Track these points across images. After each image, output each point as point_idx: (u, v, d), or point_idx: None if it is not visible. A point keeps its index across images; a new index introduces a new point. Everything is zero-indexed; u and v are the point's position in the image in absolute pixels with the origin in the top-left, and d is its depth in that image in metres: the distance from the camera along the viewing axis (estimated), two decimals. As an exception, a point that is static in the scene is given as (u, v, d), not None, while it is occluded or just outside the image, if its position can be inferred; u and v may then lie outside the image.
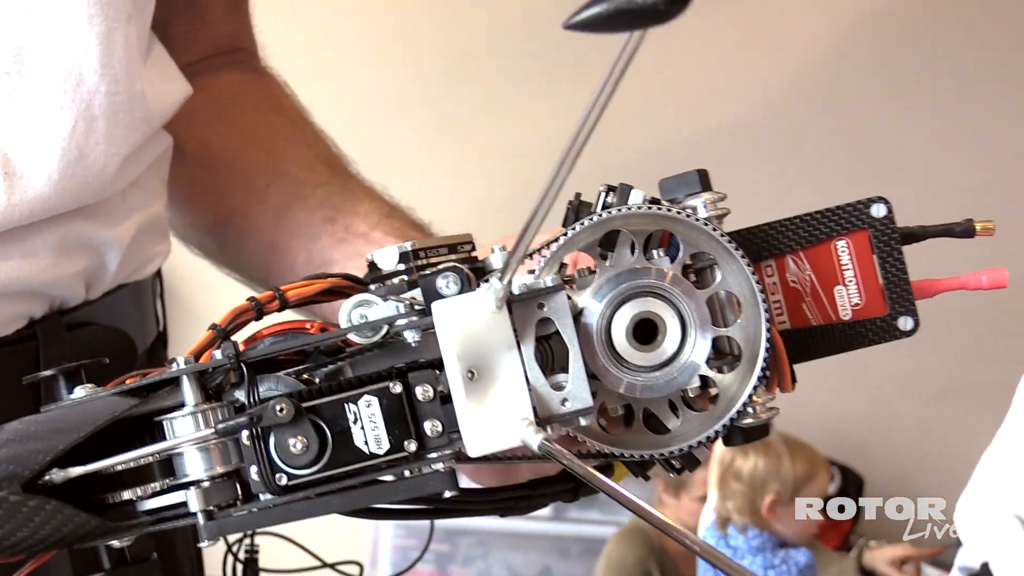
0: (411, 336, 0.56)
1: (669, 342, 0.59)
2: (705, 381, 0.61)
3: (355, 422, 0.56)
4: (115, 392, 0.57)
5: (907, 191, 3.11)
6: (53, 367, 0.60)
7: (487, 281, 0.56)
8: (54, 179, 0.72)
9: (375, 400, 0.56)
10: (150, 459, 0.57)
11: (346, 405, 0.56)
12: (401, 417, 0.56)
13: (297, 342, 0.57)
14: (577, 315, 0.58)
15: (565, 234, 0.60)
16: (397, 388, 0.56)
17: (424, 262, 0.62)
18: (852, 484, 3.14)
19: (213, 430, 0.56)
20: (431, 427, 0.56)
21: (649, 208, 0.59)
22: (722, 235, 0.59)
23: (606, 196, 0.61)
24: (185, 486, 0.57)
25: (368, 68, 3.43)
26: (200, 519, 0.56)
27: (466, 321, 0.55)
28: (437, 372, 0.56)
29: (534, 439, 0.54)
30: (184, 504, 0.57)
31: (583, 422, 0.58)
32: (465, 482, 0.69)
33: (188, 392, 0.56)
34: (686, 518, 2.78)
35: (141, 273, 0.86)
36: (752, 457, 2.57)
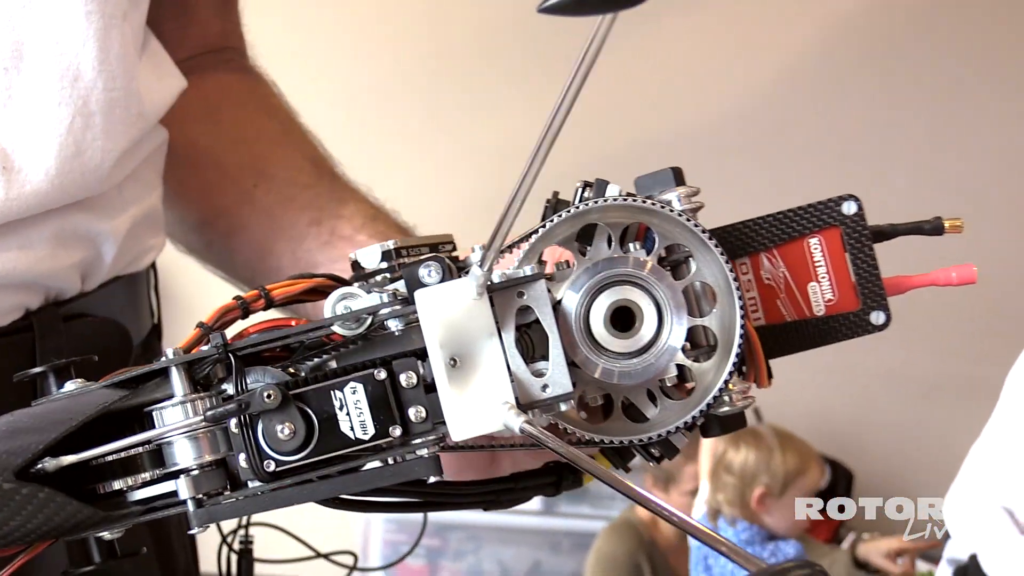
0: (394, 325, 0.57)
1: (646, 328, 0.60)
2: (683, 374, 0.62)
3: (341, 408, 0.57)
4: (105, 385, 0.59)
5: (895, 189, 3.14)
6: (49, 358, 0.61)
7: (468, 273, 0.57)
8: (51, 174, 0.73)
9: (360, 387, 0.57)
10: (140, 449, 0.58)
11: (332, 392, 0.57)
12: (385, 403, 0.57)
13: (283, 333, 0.58)
14: (556, 304, 0.59)
15: (543, 226, 0.61)
16: (382, 375, 0.57)
17: (406, 260, 0.63)
18: (842, 479, 3.14)
19: (202, 417, 0.57)
20: (415, 413, 0.57)
21: (625, 200, 0.60)
22: (696, 225, 0.60)
23: (583, 191, 0.62)
24: (175, 475, 0.58)
25: (355, 67, 3.44)
26: (190, 507, 0.57)
27: (448, 309, 0.56)
28: (420, 360, 0.58)
29: (515, 422, 0.55)
30: (174, 493, 0.58)
31: (563, 407, 0.59)
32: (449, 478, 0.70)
33: (177, 383, 0.58)
34: (676, 512, 2.78)
35: (136, 265, 0.87)
36: (744, 450, 2.58)
